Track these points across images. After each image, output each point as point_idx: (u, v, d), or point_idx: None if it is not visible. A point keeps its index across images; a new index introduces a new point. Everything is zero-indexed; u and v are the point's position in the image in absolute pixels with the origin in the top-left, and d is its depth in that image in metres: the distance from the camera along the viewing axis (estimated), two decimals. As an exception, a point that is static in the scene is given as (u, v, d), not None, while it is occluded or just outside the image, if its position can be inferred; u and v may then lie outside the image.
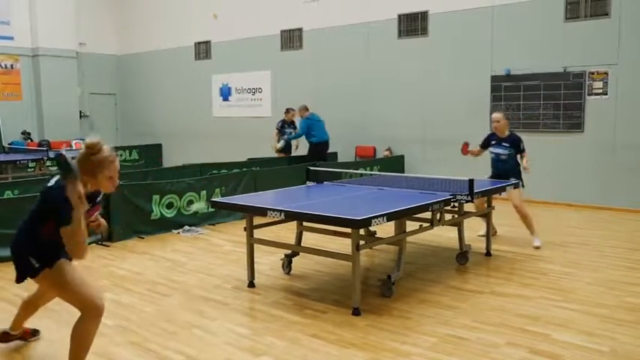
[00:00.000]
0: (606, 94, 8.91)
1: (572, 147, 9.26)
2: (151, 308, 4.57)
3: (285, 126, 11.58)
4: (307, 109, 11.13)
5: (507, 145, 6.60)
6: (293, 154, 11.65)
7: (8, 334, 3.83)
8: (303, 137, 11.20)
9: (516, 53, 9.74)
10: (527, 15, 9.58)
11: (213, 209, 7.62)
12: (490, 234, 6.19)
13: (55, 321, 4.23)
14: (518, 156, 6.61)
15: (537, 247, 6.38)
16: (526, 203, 7.06)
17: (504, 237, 6.89)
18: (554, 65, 9.34)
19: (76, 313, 3.20)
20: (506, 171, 6.58)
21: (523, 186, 6.56)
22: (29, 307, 3.77)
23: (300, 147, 11.66)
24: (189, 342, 3.87)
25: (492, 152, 6.75)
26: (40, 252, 3.18)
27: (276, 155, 11.56)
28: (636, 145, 8.68)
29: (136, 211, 7.12)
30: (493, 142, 6.74)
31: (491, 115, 6.93)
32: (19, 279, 3.26)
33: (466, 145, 6.84)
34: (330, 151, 11.28)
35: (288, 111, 11.65)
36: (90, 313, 3.17)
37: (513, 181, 6.34)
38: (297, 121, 11.50)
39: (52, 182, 3.16)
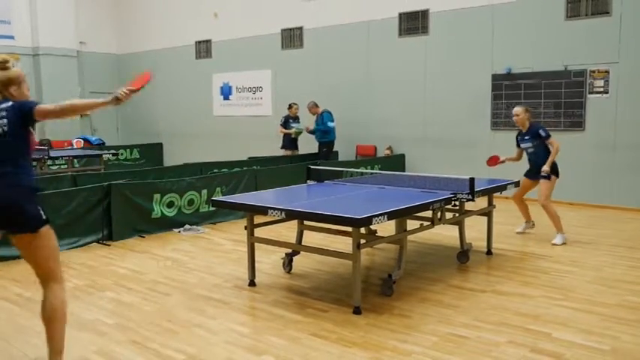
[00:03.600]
0: (607, 92, 8.89)
1: (572, 145, 9.22)
2: (151, 307, 4.57)
3: (290, 121, 11.57)
4: (318, 105, 11.19)
5: (528, 137, 6.64)
6: (300, 152, 11.63)
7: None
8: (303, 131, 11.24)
9: (517, 52, 9.72)
10: (528, 13, 9.56)
11: (214, 208, 7.63)
12: (491, 233, 6.18)
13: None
14: (550, 146, 6.53)
15: (555, 245, 6.41)
16: (528, 201, 7.05)
17: (504, 235, 6.87)
18: (555, 64, 9.32)
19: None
20: (538, 165, 6.57)
21: (548, 178, 6.50)
22: None
23: (309, 144, 11.60)
24: (189, 341, 3.88)
25: (521, 147, 6.79)
26: None
27: (281, 153, 11.54)
28: (637, 143, 8.66)
29: (137, 210, 7.13)
30: (519, 138, 6.80)
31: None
32: None
33: (495, 157, 6.81)
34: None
35: (291, 106, 11.64)
36: None
37: (515, 180, 6.33)
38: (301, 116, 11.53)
39: None
